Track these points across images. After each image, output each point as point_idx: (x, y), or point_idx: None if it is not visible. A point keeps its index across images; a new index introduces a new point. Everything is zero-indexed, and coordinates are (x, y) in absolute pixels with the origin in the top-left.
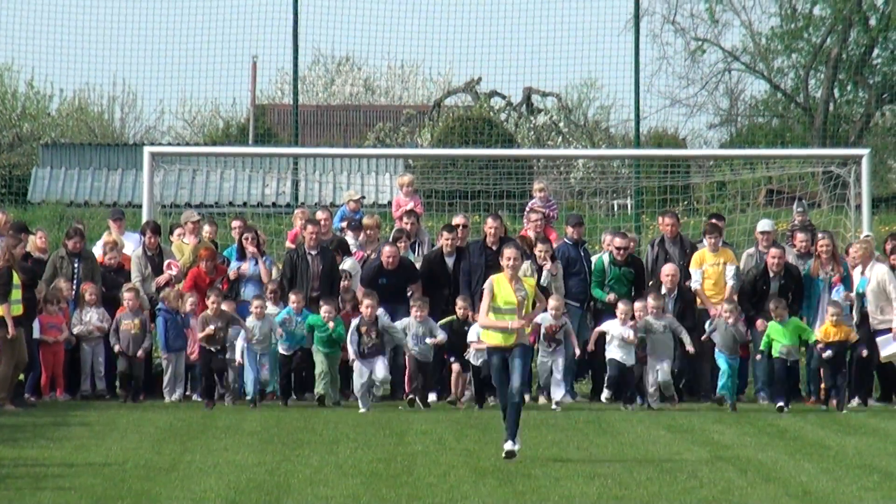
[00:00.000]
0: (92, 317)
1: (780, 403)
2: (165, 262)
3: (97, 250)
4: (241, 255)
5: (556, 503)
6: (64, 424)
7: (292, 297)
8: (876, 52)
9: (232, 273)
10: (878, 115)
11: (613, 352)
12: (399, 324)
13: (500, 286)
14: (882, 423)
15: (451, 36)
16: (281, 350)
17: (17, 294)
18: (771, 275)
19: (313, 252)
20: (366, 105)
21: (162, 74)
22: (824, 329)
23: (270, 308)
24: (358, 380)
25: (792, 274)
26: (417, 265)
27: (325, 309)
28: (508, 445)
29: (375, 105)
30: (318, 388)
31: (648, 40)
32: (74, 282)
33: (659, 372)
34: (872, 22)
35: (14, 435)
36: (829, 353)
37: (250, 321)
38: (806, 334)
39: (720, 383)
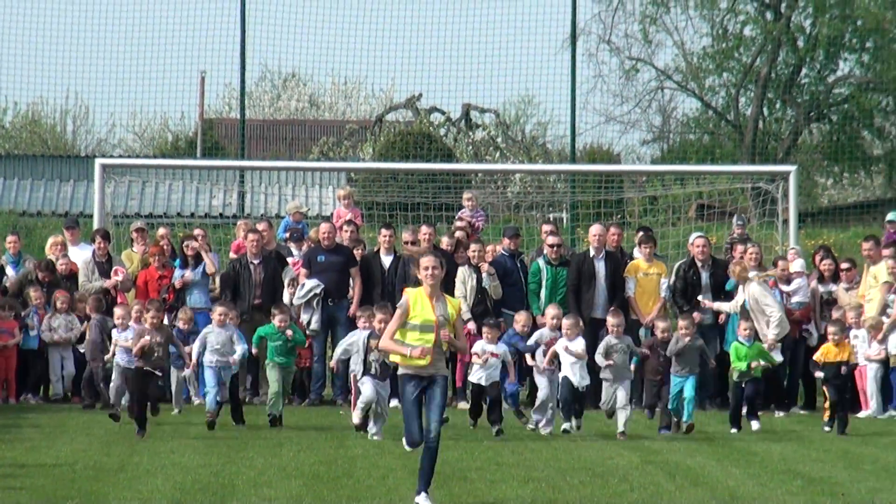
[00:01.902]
0: (60, 323)
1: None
2: (113, 269)
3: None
4: (185, 265)
5: None
6: (15, 426)
7: (218, 308)
8: (804, 71)
9: (178, 282)
10: (805, 132)
11: (566, 370)
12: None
13: (416, 302)
14: (806, 431)
15: (392, 53)
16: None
17: None
18: (699, 264)
19: (255, 261)
20: (310, 120)
21: (113, 88)
22: (825, 348)
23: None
24: (370, 397)
25: (720, 264)
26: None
27: (279, 318)
28: (421, 500)
29: (319, 120)
30: (272, 409)
31: (584, 59)
32: (44, 290)
33: (617, 397)
34: (800, 43)
35: None
36: (820, 374)
37: (210, 328)
38: (767, 358)
39: (688, 410)
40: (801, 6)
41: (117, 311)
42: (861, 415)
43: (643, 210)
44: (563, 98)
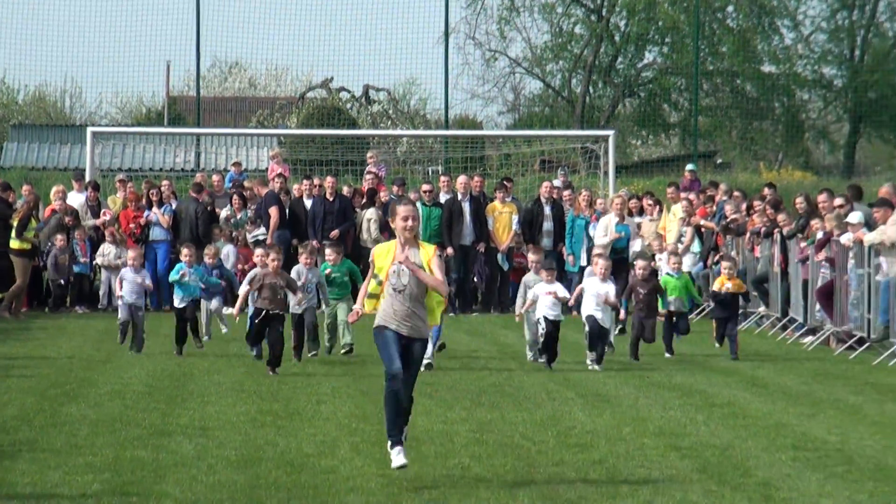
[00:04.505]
0: (111, 251)
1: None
2: (102, 210)
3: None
4: (150, 207)
5: None
6: (26, 329)
7: (184, 250)
8: (619, 60)
9: (144, 220)
10: (620, 105)
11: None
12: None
13: (380, 257)
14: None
15: (311, 46)
16: (176, 303)
17: (30, 233)
18: (543, 201)
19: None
20: (250, 97)
21: (101, 73)
22: (720, 280)
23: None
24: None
25: (559, 205)
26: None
27: (328, 252)
28: (398, 456)
29: (257, 97)
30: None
31: (455, 50)
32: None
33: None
34: (617, 38)
35: None
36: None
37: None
38: (692, 290)
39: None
40: (617, 10)
41: (130, 252)
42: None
43: (499, 164)
44: (439, 80)
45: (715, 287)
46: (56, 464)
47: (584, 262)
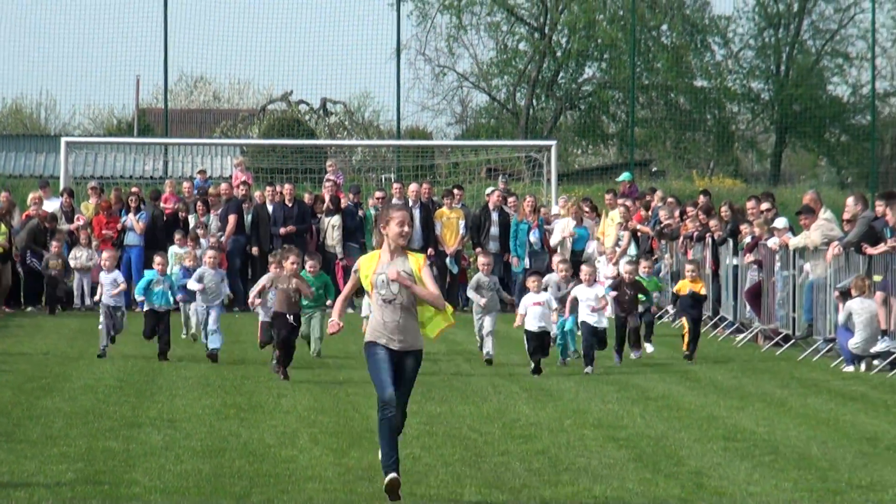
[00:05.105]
0: (83, 254)
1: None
2: (76, 215)
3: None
4: (128, 211)
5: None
6: (4, 327)
7: (156, 258)
8: (561, 74)
9: (120, 225)
10: (562, 117)
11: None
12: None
13: (368, 266)
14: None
15: (272, 61)
16: (149, 306)
17: (2, 238)
18: (491, 207)
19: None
20: (214, 109)
21: (74, 87)
22: (681, 283)
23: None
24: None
25: (505, 212)
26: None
27: (310, 264)
28: (394, 475)
29: (221, 109)
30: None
31: (406, 66)
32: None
33: (484, 324)
34: (559, 54)
35: None
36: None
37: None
38: (654, 287)
39: (573, 341)
40: (559, 28)
41: (104, 254)
42: None
43: (448, 172)
44: (391, 93)
45: (678, 289)
46: (32, 454)
47: (527, 264)
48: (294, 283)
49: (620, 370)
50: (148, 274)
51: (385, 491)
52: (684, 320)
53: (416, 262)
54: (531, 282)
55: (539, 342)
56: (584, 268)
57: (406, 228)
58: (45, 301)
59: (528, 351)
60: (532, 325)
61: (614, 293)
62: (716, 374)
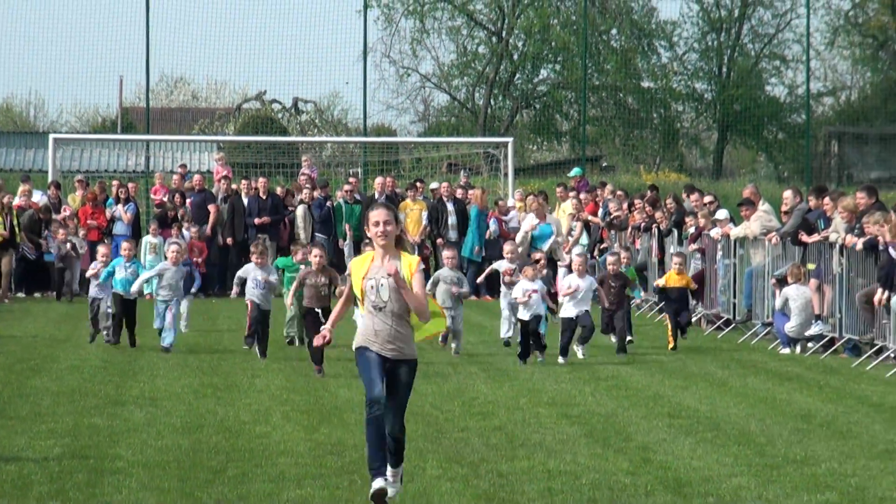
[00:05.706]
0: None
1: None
2: (63, 207)
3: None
4: (117, 202)
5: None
6: None
7: (124, 244)
8: (517, 76)
9: (108, 213)
10: (518, 116)
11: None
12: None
13: (360, 268)
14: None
15: (247, 62)
16: (117, 291)
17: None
18: (445, 198)
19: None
20: (193, 108)
21: (62, 86)
22: (668, 276)
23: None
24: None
25: (460, 201)
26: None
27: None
28: (380, 482)
29: (199, 108)
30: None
31: (372, 67)
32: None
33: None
34: (515, 57)
35: None
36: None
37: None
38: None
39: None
40: (515, 32)
41: (101, 249)
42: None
43: (412, 167)
44: (358, 93)
45: (661, 282)
46: (22, 430)
47: (484, 252)
48: (322, 278)
49: (572, 352)
50: (114, 261)
51: (371, 499)
52: (667, 315)
53: (409, 266)
54: (527, 271)
55: (532, 328)
56: (576, 258)
57: (385, 227)
58: (56, 287)
59: (520, 339)
60: (524, 314)
61: (599, 286)
62: (661, 355)
